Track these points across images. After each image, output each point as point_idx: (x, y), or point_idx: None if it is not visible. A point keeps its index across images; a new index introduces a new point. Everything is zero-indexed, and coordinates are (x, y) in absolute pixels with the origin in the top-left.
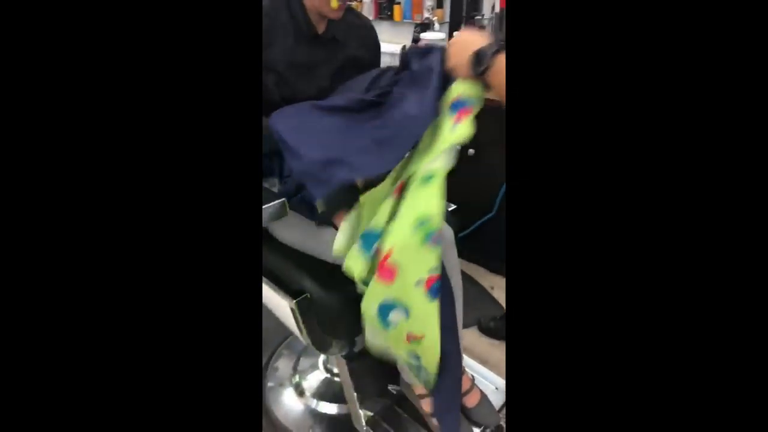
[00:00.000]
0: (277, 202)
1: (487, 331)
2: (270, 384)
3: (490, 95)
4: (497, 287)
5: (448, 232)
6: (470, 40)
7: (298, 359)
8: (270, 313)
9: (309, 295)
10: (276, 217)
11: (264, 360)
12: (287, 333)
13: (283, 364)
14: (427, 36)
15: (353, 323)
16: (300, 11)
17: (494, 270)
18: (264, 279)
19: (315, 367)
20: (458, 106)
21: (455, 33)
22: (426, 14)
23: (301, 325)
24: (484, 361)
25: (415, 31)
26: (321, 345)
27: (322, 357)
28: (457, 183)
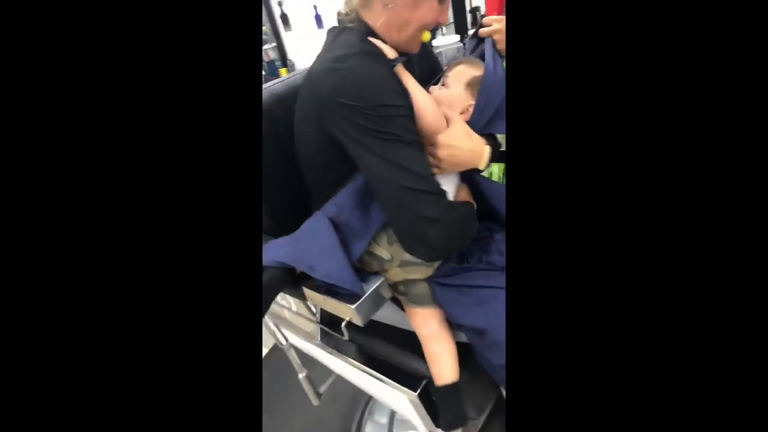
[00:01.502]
0: (373, 288)
1: None
2: None
3: None
4: None
5: None
6: None
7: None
8: None
9: (429, 378)
10: (377, 306)
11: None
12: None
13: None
14: (439, 42)
15: (482, 395)
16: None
17: None
18: (369, 369)
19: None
20: None
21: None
22: None
23: (427, 418)
24: None
25: None
26: (454, 426)
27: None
28: None
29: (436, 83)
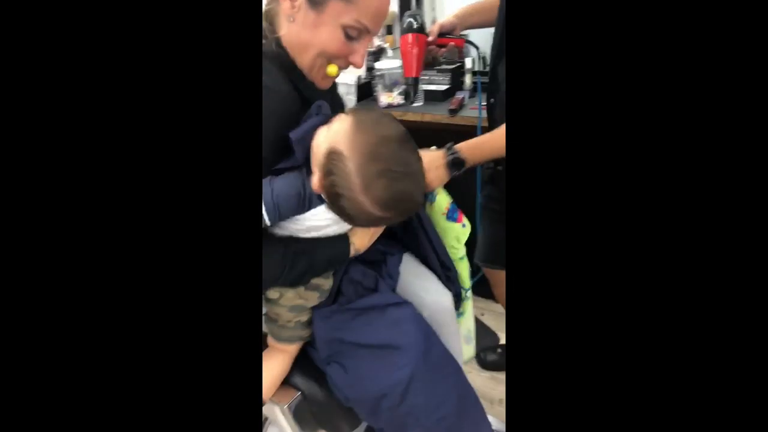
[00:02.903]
0: None
1: (487, 365)
2: None
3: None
4: (488, 312)
5: (445, 299)
6: (430, 159)
7: None
8: None
9: (302, 394)
10: None
11: None
12: None
13: None
14: (381, 65)
15: (353, 415)
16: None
17: (482, 294)
18: None
19: None
20: (454, 212)
21: None
22: (377, 42)
23: (294, 427)
24: (488, 401)
25: (368, 60)
26: None
27: None
28: None
29: None
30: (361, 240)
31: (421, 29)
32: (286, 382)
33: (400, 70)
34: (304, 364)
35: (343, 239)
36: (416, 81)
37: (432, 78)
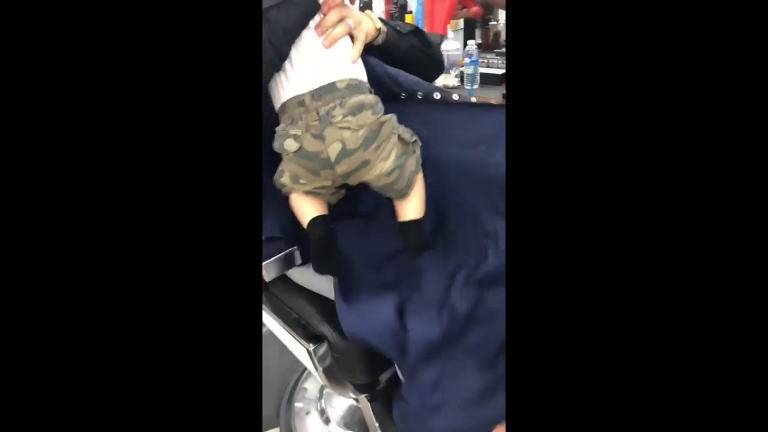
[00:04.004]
0: (283, 253)
1: None
2: (298, 404)
3: None
4: None
5: None
6: None
7: None
8: None
9: (327, 340)
10: (284, 268)
11: (293, 379)
12: None
13: (311, 386)
14: (442, 47)
15: (372, 366)
16: None
17: None
18: (281, 322)
19: None
20: None
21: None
22: None
23: (319, 370)
24: None
25: None
26: (339, 387)
27: None
28: None
29: None
30: None
31: None
32: (314, 331)
33: (458, 53)
34: (329, 314)
35: None
36: (442, 39)
37: (490, 61)
